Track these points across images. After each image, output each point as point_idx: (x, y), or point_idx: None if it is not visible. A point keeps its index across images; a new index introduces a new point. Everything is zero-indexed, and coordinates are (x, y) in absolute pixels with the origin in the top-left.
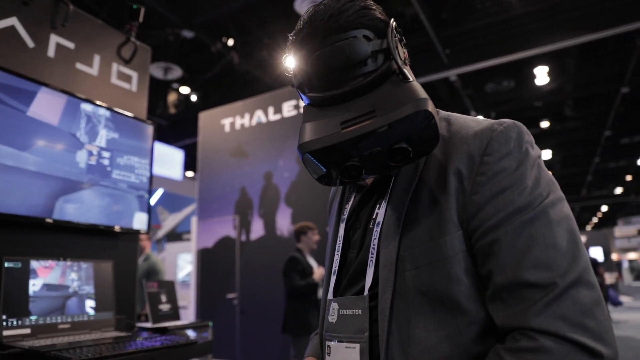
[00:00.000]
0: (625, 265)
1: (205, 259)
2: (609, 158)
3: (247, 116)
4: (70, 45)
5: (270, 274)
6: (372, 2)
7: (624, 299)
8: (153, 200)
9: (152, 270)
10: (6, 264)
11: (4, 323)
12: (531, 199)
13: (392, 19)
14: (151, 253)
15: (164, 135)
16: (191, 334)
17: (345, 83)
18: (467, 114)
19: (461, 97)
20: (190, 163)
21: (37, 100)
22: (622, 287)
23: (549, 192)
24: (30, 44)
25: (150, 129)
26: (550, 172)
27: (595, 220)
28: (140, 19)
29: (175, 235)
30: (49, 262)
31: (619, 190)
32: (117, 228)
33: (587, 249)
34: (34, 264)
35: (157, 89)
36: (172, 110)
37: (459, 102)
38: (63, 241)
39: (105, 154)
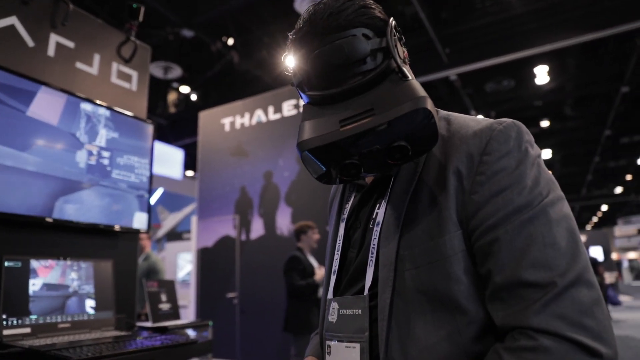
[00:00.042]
0: (625, 264)
1: (205, 259)
2: (609, 157)
3: (247, 115)
4: (70, 44)
5: (270, 273)
6: (371, 1)
7: (623, 298)
8: (153, 200)
9: (152, 269)
10: (6, 263)
11: (4, 322)
12: (530, 198)
13: (392, 18)
14: (151, 252)
15: (164, 134)
16: (191, 333)
17: (344, 81)
18: (467, 113)
19: (461, 96)
20: (190, 162)
21: (36, 100)
22: (622, 286)
23: (549, 192)
24: (30, 43)
25: (150, 129)
26: (550, 172)
27: (595, 219)
28: (140, 18)
29: (175, 235)
30: (49, 262)
31: (619, 190)
32: (117, 227)
33: (587, 248)
34: (34, 263)
35: (157, 88)
36: (172, 110)
37: (459, 102)
38: (63, 240)
39: (105, 154)
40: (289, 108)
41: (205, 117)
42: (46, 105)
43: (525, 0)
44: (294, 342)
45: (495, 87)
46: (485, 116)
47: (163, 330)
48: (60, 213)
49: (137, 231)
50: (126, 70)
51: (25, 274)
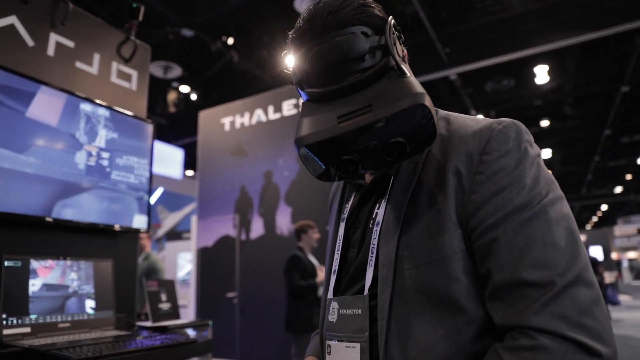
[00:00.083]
0: (625, 264)
1: (205, 258)
2: (609, 157)
3: (247, 115)
4: (70, 44)
5: (270, 272)
6: (371, 0)
7: (623, 297)
8: (153, 199)
9: (152, 269)
10: (6, 263)
11: (4, 322)
12: (530, 197)
13: (391, 17)
14: (151, 252)
15: (164, 134)
16: (191, 332)
17: (342, 78)
18: (467, 113)
19: (461, 96)
20: (190, 162)
21: (36, 101)
22: (621, 286)
23: (548, 191)
24: (30, 42)
25: (150, 128)
26: (549, 171)
27: (595, 219)
28: (140, 17)
29: (175, 234)
30: (49, 262)
31: (618, 189)
32: (117, 227)
33: (587, 248)
34: (34, 263)
35: (157, 88)
36: (172, 109)
37: (458, 101)
38: (63, 240)
39: (105, 155)
40: (289, 108)
41: (205, 116)
42: (46, 106)
43: (525, 0)
44: (295, 342)
45: (495, 86)
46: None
47: (163, 330)
48: (59, 216)
49: (137, 231)
50: (126, 69)
51: (25, 273)
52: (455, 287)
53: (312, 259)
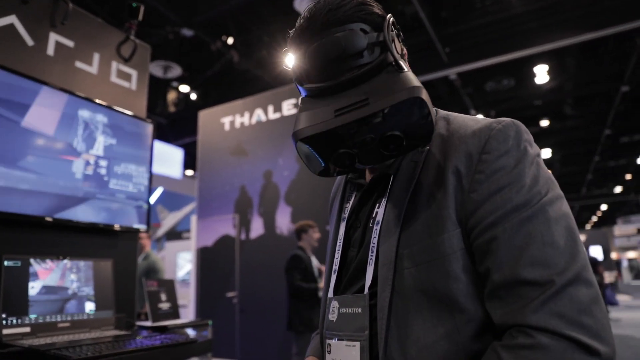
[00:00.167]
0: (625, 264)
1: (205, 258)
2: (609, 157)
3: (246, 115)
4: (69, 43)
5: (270, 272)
6: None
7: (623, 297)
8: (153, 199)
9: (151, 268)
10: (6, 263)
11: (4, 322)
12: (529, 196)
13: (389, 14)
14: (151, 252)
15: (164, 133)
16: (191, 332)
17: (341, 74)
18: (467, 112)
19: (461, 95)
20: (190, 162)
21: (32, 109)
22: (621, 285)
23: (548, 190)
24: (30, 42)
25: (149, 128)
26: (549, 171)
27: (594, 219)
28: (140, 17)
29: (175, 234)
30: (49, 264)
31: (618, 189)
32: (116, 227)
33: (587, 247)
34: (34, 265)
35: (157, 88)
36: (172, 109)
37: (458, 101)
38: (63, 240)
39: (103, 163)
40: (288, 107)
41: (205, 116)
42: (42, 114)
43: (525, 0)
44: (296, 341)
45: (495, 86)
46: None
47: (163, 330)
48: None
49: (137, 230)
50: (126, 69)
51: (25, 273)
52: (455, 286)
53: (313, 259)
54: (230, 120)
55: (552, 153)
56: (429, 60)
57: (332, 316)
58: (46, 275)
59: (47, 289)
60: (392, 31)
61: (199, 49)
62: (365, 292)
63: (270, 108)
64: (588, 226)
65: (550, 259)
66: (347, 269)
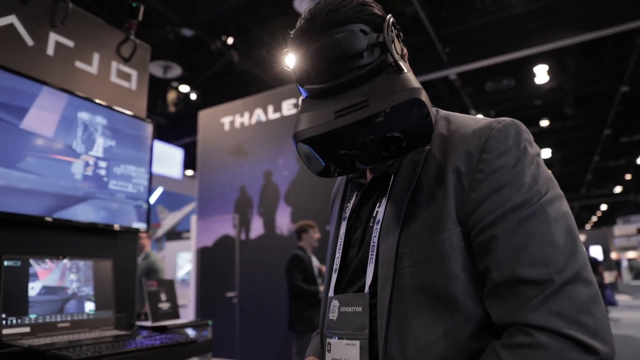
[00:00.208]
0: (625, 264)
1: (205, 258)
2: (609, 157)
3: (246, 115)
4: (69, 43)
5: (270, 272)
6: (370, 0)
7: (623, 297)
8: (153, 199)
9: (151, 268)
10: (6, 263)
11: (4, 322)
12: (529, 196)
13: (389, 15)
14: (151, 252)
15: (164, 133)
16: (191, 332)
17: (341, 75)
18: (467, 112)
19: (461, 95)
20: (189, 162)
21: (31, 111)
22: (621, 285)
23: (547, 190)
24: (30, 42)
25: (149, 128)
26: (549, 170)
27: (594, 219)
28: (140, 17)
29: (175, 234)
30: (49, 264)
31: (618, 189)
32: (116, 227)
33: (587, 248)
34: (34, 265)
35: (157, 88)
36: (172, 109)
37: (458, 101)
38: (62, 240)
39: (102, 164)
40: (288, 107)
41: (204, 116)
42: (42, 116)
43: (525, 0)
44: (296, 341)
45: (495, 86)
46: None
47: (163, 330)
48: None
49: (137, 230)
50: (126, 69)
51: (25, 273)
52: (454, 285)
53: (313, 259)
54: (230, 120)
55: (552, 153)
56: (429, 60)
57: (333, 315)
58: (46, 276)
59: (46, 289)
60: (392, 32)
61: (199, 49)
62: (365, 291)
63: (270, 108)
64: (588, 226)
65: (550, 258)
66: (347, 268)
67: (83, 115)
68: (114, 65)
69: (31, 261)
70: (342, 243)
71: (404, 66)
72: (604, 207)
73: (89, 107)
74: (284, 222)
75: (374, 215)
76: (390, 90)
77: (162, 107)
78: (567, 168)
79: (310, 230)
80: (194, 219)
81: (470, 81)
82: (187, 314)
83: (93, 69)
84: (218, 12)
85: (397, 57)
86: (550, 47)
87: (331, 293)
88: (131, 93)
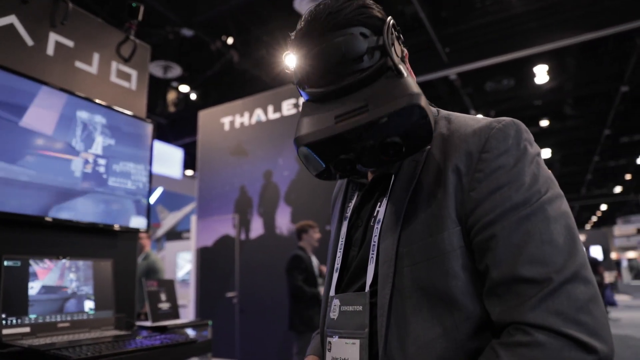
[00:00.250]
0: (625, 264)
1: (205, 258)
2: (609, 157)
3: (246, 115)
4: (69, 43)
5: (270, 272)
6: (371, 1)
7: (623, 297)
8: (153, 199)
9: (151, 268)
10: (5, 263)
11: (4, 322)
12: (529, 195)
13: (390, 17)
14: (151, 252)
15: (164, 133)
16: (191, 332)
17: (341, 79)
18: (467, 112)
19: (461, 95)
20: (189, 162)
21: (31, 109)
22: (621, 285)
23: (547, 189)
24: (30, 42)
25: (149, 128)
26: (549, 170)
27: (594, 219)
28: (140, 17)
29: (175, 234)
30: (48, 264)
31: (618, 189)
32: (116, 227)
33: (587, 248)
34: (34, 264)
35: (157, 88)
36: (172, 109)
37: (458, 101)
38: (62, 240)
39: (101, 161)
40: (288, 107)
41: (204, 116)
42: (41, 114)
43: (525, 0)
44: (297, 341)
45: (495, 86)
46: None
47: (162, 330)
48: (56, 217)
49: (137, 230)
50: (126, 69)
51: (25, 273)
52: (454, 284)
53: (314, 259)
54: (230, 120)
55: (552, 153)
56: (429, 60)
57: (333, 314)
58: (45, 275)
59: (47, 289)
60: (392, 34)
61: (199, 49)
62: (366, 290)
63: (270, 108)
64: (588, 226)
65: (549, 257)
66: (348, 268)
67: (82, 115)
68: (114, 65)
69: (31, 261)
70: (343, 243)
71: (404, 70)
72: (604, 207)
73: (88, 107)
74: (284, 222)
75: (375, 214)
76: (390, 96)
77: (162, 107)
78: (567, 168)
79: (310, 231)
80: (194, 219)
81: (470, 81)
82: (187, 314)
83: (93, 69)
84: (218, 12)
85: (396, 60)
86: (550, 47)
87: (332, 292)
88: (131, 93)
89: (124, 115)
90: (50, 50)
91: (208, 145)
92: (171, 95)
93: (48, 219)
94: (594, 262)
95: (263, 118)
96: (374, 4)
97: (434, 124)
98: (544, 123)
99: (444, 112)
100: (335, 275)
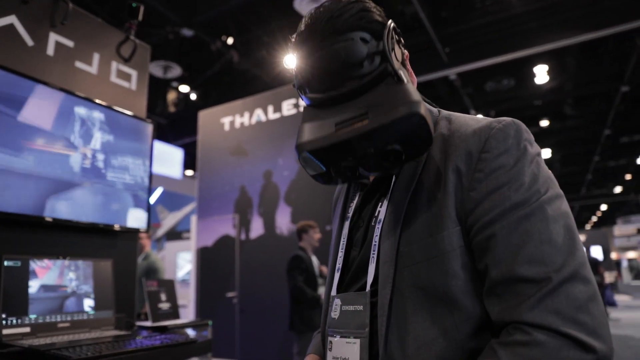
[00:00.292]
0: (625, 264)
1: (205, 258)
2: (609, 157)
3: (246, 115)
4: (69, 43)
5: (270, 272)
6: (371, 5)
7: (623, 297)
8: (153, 199)
9: (151, 268)
10: (6, 263)
11: (4, 322)
12: (528, 195)
13: (390, 20)
14: (151, 252)
15: (164, 134)
16: (191, 332)
17: (341, 85)
18: (467, 112)
19: (461, 95)
20: (189, 162)
21: (29, 104)
22: (621, 286)
23: (547, 189)
24: (30, 42)
25: (149, 128)
26: (549, 170)
27: (594, 219)
28: (140, 17)
29: (175, 234)
30: (47, 262)
31: (618, 189)
32: (116, 227)
33: (587, 248)
34: (33, 263)
35: (157, 88)
36: (172, 109)
37: (458, 101)
38: (62, 240)
39: (100, 156)
40: (288, 107)
41: (204, 116)
42: (39, 110)
43: (525, 0)
44: (297, 341)
45: (495, 86)
46: (485, 115)
47: (163, 330)
48: (52, 211)
49: (137, 230)
50: (126, 69)
51: (25, 273)
52: (453, 283)
53: (314, 259)
54: (230, 120)
55: (552, 153)
56: (429, 60)
57: (335, 314)
58: (45, 274)
59: (46, 288)
60: (393, 38)
61: (199, 49)
62: (366, 290)
63: (270, 108)
64: (588, 226)
65: (547, 256)
66: (349, 267)
67: (80, 110)
68: (114, 65)
69: (31, 261)
70: (344, 243)
71: (404, 75)
72: (604, 207)
73: (88, 106)
74: (284, 222)
75: (376, 214)
76: (390, 103)
77: (162, 107)
78: (567, 168)
79: (310, 231)
80: (194, 219)
81: (470, 81)
82: (187, 314)
83: (93, 69)
84: (218, 12)
85: (397, 66)
86: (550, 47)
87: (334, 292)
88: (131, 93)
89: (120, 117)
90: (50, 50)
91: (208, 145)
92: (171, 95)
93: (48, 219)
94: (594, 262)
95: (263, 118)
96: (374, 6)
97: (433, 129)
98: (544, 123)
99: (445, 112)
100: (337, 275)
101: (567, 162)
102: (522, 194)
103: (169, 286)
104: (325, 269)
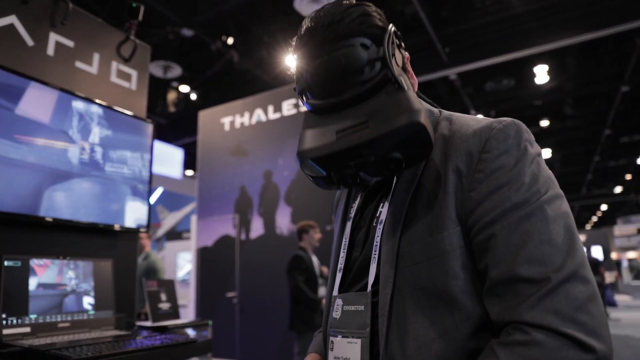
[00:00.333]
0: (625, 264)
1: (205, 258)
2: (609, 157)
3: (246, 115)
4: (69, 43)
5: (270, 272)
6: (372, 9)
7: (623, 297)
8: (153, 199)
9: (151, 268)
10: (6, 263)
11: (4, 322)
12: (528, 195)
13: (391, 25)
14: (151, 252)
15: (164, 134)
16: (191, 332)
17: (342, 92)
18: (467, 112)
19: (461, 95)
20: (190, 162)
21: (26, 97)
22: (621, 286)
23: (547, 189)
24: (30, 42)
25: (149, 128)
26: (550, 170)
27: (594, 219)
28: (140, 17)
29: (175, 234)
30: (49, 261)
31: (618, 189)
32: (116, 227)
33: (587, 248)
34: (33, 263)
35: (157, 88)
36: (172, 109)
37: (458, 101)
38: (62, 240)
39: (98, 150)
40: (288, 107)
41: (205, 116)
42: (37, 103)
43: (525, 0)
44: (298, 341)
45: (495, 86)
46: (485, 115)
47: (163, 330)
48: (49, 201)
49: (137, 230)
50: (126, 69)
51: (25, 273)
52: (453, 283)
53: (314, 259)
54: (230, 120)
55: (552, 153)
56: (429, 60)
57: (336, 314)
58: (44, 272)
59: (46, 287)
60: (393, 42)
61: (199, 49)
62: (368, 290)
63: (270, 108)
64: (588, 226)
65: (547, 256)
66: (351, 268)
67: (79, 105)
68: (114, 65)
69: (31, 261)
70: (346, 243)
71: (405, 82)
72: (604, 207)
73: (88, 105)
74: (284, 222)
75: (378, 215)
76: (390, 112)
77: (162, 107)
78: (567, 168)
79: (311, 231)
80: (194, 219)
81: (470, 81)
82: (187, 314)
83: (93, 69)
84: (218, 12)
85: (397, 72)
86: (550, 47)
87: (335, 292)
88: (131, 93)
89: (119, 112)
90: (50, 50)
91: (208, 145)
92: (171, 95)
93: (48, 219)
94: (594, 262)
95: (263, 118)
96: (375, 10)
97: (434, 130)
98: (544, 123)
99: (445, 112)
100: (339, 275)
101: (567, 162)
102: (523, 194)
103: (169, 286)
104: (325, 269)
